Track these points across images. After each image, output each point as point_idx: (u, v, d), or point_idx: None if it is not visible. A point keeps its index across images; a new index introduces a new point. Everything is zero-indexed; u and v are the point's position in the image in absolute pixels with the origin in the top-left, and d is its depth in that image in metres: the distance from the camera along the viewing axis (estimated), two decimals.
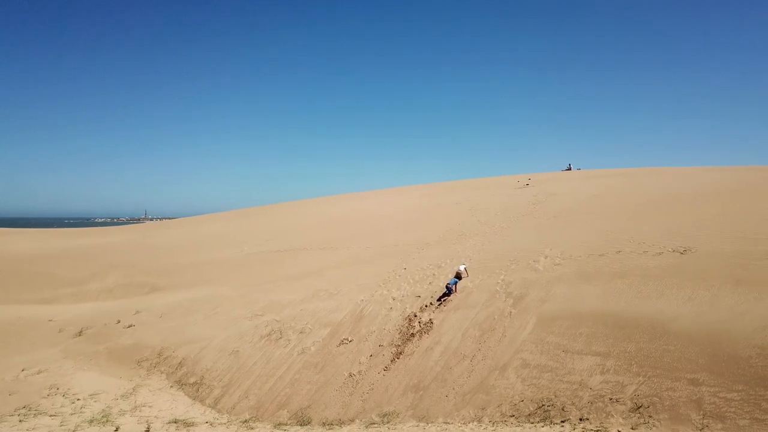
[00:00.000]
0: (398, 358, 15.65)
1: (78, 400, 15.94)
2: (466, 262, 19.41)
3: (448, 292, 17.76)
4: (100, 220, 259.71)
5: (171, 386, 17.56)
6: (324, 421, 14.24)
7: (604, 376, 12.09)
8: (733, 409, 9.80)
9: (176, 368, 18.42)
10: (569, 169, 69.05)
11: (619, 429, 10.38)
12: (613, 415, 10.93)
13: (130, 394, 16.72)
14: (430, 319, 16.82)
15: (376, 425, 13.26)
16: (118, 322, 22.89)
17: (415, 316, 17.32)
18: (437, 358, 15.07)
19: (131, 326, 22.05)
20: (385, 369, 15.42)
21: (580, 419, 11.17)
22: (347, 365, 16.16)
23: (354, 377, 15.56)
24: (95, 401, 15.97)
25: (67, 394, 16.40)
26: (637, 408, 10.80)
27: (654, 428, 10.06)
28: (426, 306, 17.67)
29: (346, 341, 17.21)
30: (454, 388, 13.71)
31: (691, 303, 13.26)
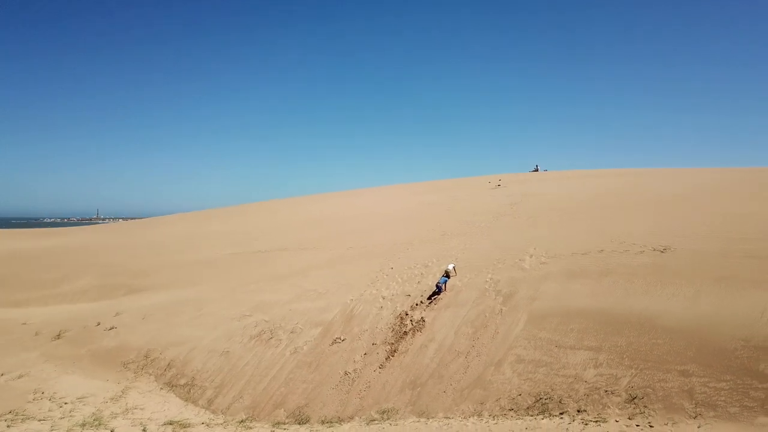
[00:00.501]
0: (393, 356, 15.86)
1: (66, 404, 15.57)
2: (453, 262, 19.74)
3: (438, 290, 18.07)
4: (49, 220, 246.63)
5: (161, 388, 17.31)
6: (323, 419, 14.32)
7: (597, 370, 12.57)
8: (723, 398, 10.38)
9: (165, 370, 18.14)
10: (536, 170, 70.56)
11: (617, 419, 10.84)
12: (609, 406, 11.40)
13: (120, 396, 16.42)
14: (422, 318, 17.08)
15: (376, 422, 13.43)
16: (98, 324, 22.35)
17: (407, 314, 17.55)
18: (432, 355, 15.33)
19: (113, 328, 21.57)
20: (381, 367, 15.60)
21: (578, 411, 11.61)
22: (342, 364, 16.26)
23: (350, 375, 15.68)
24: (84, 405, 15.63)
25: (54, 398, 15.99)
26: (632, 399, 11.30)
27: (650, 417, 10.55)
28: (417, 304, 17.93)
29: (338, 340, 17.31)
30: (451, 384, 13.99)
31: (676, 299, 13.91)
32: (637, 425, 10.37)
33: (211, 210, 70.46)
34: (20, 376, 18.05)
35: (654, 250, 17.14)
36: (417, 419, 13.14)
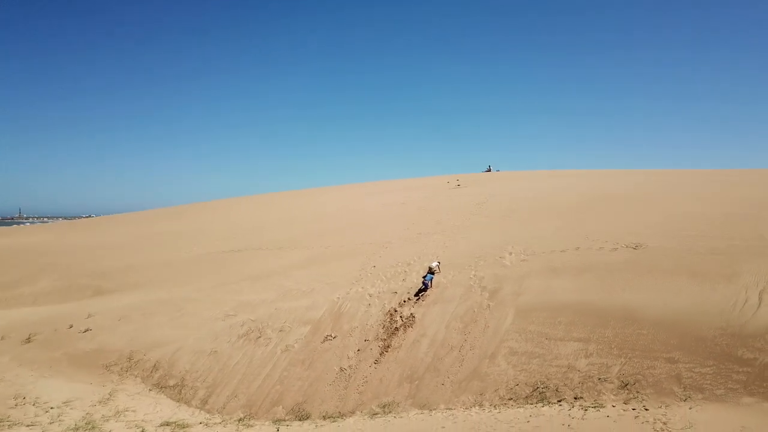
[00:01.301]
0: (387, 351, 16.20)
1: (52, 408, 15.07)
2: (435, 260, 20.23)
3: (425, 287, 18.54)
4: None
5: (150, 390, 16.97)
6: (324, 414, 14.50)
7: (588, 359, 13.36)
8: (708, 382, 11.34)
9: (151, 371, 17.78)
10: (489, 170, 72.30)
11: (613, 404, 11.61)
12: (604, 393, 12.18)
13: (108, 399, 16.03)
14: (411, 314, 17.50)
15: (379, 415, 13.75)
16: (71, 326, 21.55)
17: (395, 311, 17.92)
18: (426, 349, 15.78)
19: (88, 330, 20.87)
20: (376, 362, 15.91)
21: (575, 398, 12.34)
22: (336, 360, 16.47)
23: (345, 371, 15.91)
24: (71, 408, 15.18)
25: (38, 403, 15.42)
26: (625, 385, 12.12)
27: (644, 401, 11.37)
28: (404, 301, 18.33)
29: (329, 337, 17.48)
30: (448, 377, 14.48)
31: (655, 293, 14.93)
32: (633, 409, 11.14)
33: (165, 209, 68.12)
34: None
35: (627, 247, 18.22)
36: (419, 411, 13.55)
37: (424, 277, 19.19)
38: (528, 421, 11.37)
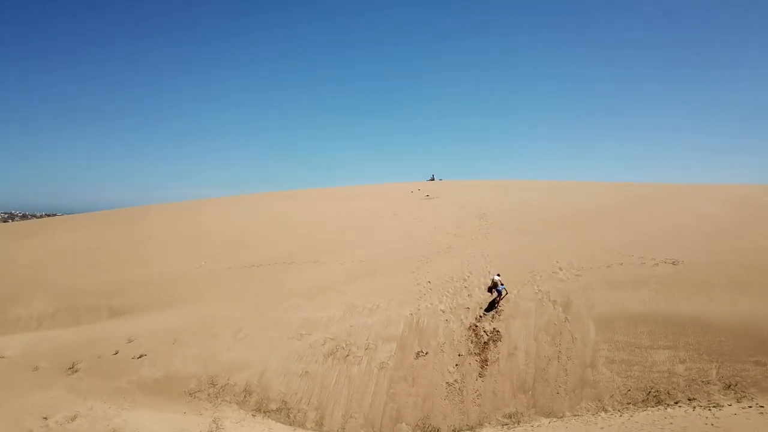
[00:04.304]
0: (486, 365, 17.58)
1: None
2: (495, 274, 21.71)
3: (497, 297, 20.01)
4: None
5: (253, 415, 17.03)
6: (453, 428, 15.67)
7: (684, 365, 15.73)
8: None
9: (244, 396, 17.75)
10: (432, 179, 75.06)
11: (729, 403, 13.94)
12: (713, 394, 14.56)
13: (217, 429, 15.90)
14: (494, 328, 19.03)
15: (509, 426, 15.19)
16: (116, 353, 20.59)
17: (476, 326, 19.31)
18: (524, 361, 17.41)
19: (143, 356, 20.08)
20: (480, 375, 17.28)
21: (689, 399, 14.61)
22: (438, 376, 17.58)
23: (453, 386, 17.12)
24: None
25: None
26: (728, 386, 14.56)
27: (754, 399, 13.81)
28: (480, 316, 19.80)
29: (421, 354, 18.51)
30: (560, 386, 16.22)
31: (714, 303, 17.71)
32: (750, 407, 13.52)
33: (142, 208, 61.80)
34: (74, 418, 16.48)
35: (665, 262, 21.05)
36: (549, 420, 15.19)
37: (490, 290, 20.70)
38: (671, 422, 13.38)
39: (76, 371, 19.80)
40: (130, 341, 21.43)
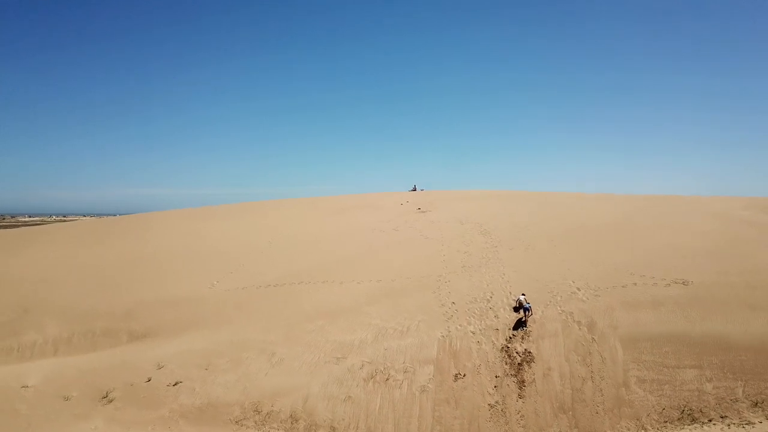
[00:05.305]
0: (524, 386, 18.50)
1: None
2: (521, 294, 22.64)
3: (526, 313, 20.99)
4: None
5: None
6: None
7: (712, 383, 17.04)
8: None
9: (291, 422, 18.13)
10: (414, 189, 76.08)
11: (760, 420, 15.28)
12: (742, 411, 15.90)
13: None
14: (526, 349, 20.00)
15: None
16: (149, 380, 20.56)
17: (508, 347, 20.23)
18: (559, 381, 18.43)
19: (178, 383, 20.16)
20: (520, 396, 18.20)
21: (721, 417, 15.92)
22: (479, 398, 18.43)
23: (495, 407, 17.99)
24: None
25: None
26: (756, 404, 15.95)
27: None
28: (510, 337, 20.74)
29: (459, 376, 19.30)
30: (598, 405, 17.30)
31: (729, 322, 19.19)
32: None
33: (118, 219, 60.36)
34: None
35: (676, 282, 22.51)
36: None
37: (516, 310, 21.70)
38: None
39: (111, 400, 19.69)
40: (159, 367, 21.39)
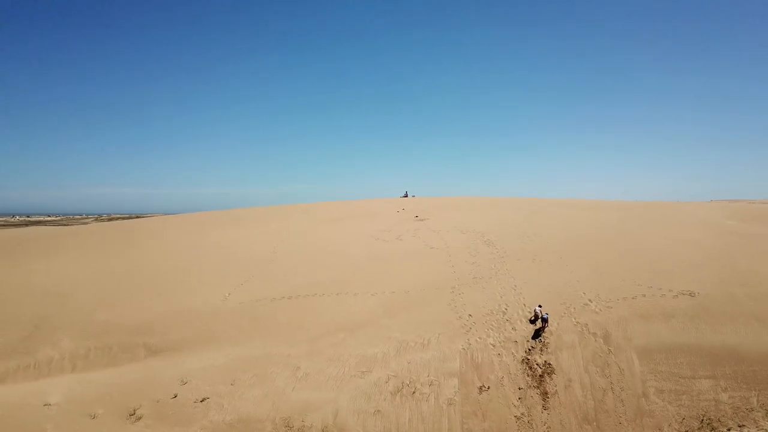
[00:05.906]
0: (547, 397, 19.20)
1: None
2: (536, 305, 23.39)
3: (543, 326, 21.71)
4: None
5: None
6: None
7: (727, 393, 17.95)
8: None
9: None
10: (406, 196, 76.98)
11: None
12: (759, 420, 16.82)
13: None
14: (545, 361, 20.71)
15: None
16: (175, 396, 20.71)
17: (528, 359, 20.92)
18: (581, 392, 19.17)
19: (205, 399, 20.37)
20: (544, 408, 18.89)
21: (739, 426, 16.76)
22: (505, 410, 19.06)
23: (522, 419, 18.64)
24: None
25: None
26: None
27: None
28: (530, 349, 21.44)
29: (484, 388, 19.90)
30: (620, 416, 18.08)
31: (739, 334, 20.17)
32: None
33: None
34: None
35: (683, 294, 23.48)
36: None
37: (533, 321, 22.42)
38: None
39: (139, 418, 19.78)
40: (183, 383, 21.54)
